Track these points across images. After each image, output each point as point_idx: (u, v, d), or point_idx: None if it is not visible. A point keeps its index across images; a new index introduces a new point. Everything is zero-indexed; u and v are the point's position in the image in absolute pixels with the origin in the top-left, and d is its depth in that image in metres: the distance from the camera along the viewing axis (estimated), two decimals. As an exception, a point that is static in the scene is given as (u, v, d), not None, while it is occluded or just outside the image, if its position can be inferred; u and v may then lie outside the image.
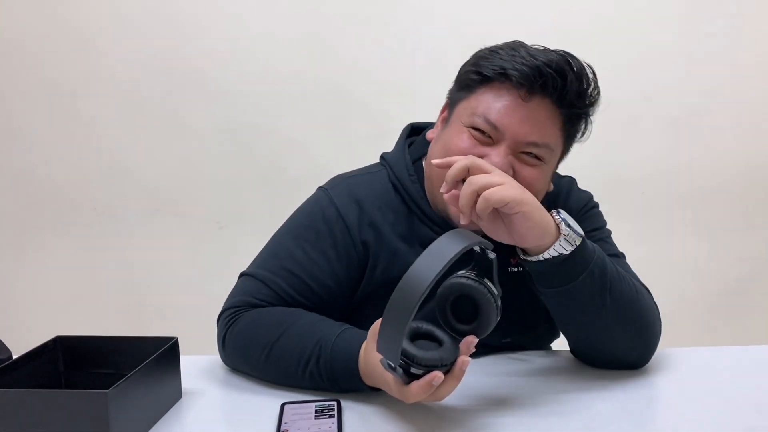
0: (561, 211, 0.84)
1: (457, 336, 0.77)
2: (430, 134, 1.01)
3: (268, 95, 2.11)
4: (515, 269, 0.97)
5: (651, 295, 0.97)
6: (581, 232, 0.84)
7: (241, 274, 1.01)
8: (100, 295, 2.21)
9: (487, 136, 0.90)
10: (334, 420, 0.76)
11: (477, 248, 0.75)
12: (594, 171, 2.13)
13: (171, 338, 0.84)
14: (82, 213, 2.17)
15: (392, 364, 0.70)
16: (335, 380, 0.84)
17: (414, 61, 2.04)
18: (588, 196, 1.11)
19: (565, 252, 0.82)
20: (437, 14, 2.06)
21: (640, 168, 2.12)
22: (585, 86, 0.92)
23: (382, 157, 1.05)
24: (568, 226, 0.82)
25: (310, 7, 2.06)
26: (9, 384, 0.75)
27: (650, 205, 2.14)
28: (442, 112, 1.01)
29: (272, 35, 2.08)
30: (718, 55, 2.07)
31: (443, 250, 0.69)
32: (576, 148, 2.25)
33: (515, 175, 0.89)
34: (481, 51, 0.95)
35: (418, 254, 0.80)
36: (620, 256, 1.04)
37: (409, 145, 1.05)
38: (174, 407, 0.83)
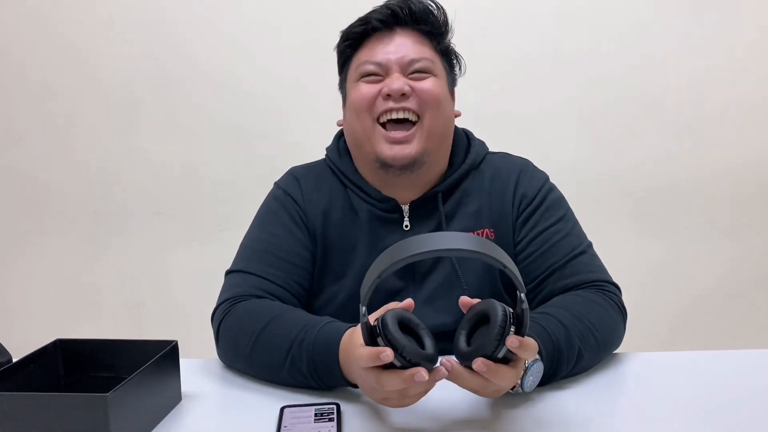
0: (527, 374, 0.79)
1: (463, 353, 0.73)
2: (339, 122, 1.17)
3: (268, 97, 2.11)
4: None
5: (616, 297, 1.00)
6: (537, 381, 0.81)
7: (226, 273, 1.08)
8: (101, 298, 2.21)
9: (377, 75, 1.04)
10: (334, 423, 0.76)
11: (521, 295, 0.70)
12: (593, 173, 2.15)
13: (170, 341, 0.84)
14: (82, 216, 2.17)
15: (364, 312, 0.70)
16: (314, 366, 0.85)
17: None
18: (543, 177, 1.12)
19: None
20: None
21: (639, 170, 2.12)
22: (430, 7, 1.06)
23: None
24: (525, 385, 0.79)
25: (311, 8, 2.07)
26: (9, 387, 0.75)
27: (649, 207, 2.15)
28: (343, 106, 1.15)
29: (273, 37, 2.08)
30: (719, 57, 2.07)
31: (462, 240, 0.68)
32: (575, 151, 2.25)
33: (414, 91, 1.02)
34: (342, 33, 1.12)
35: (351, 220, 1.06)
36: (585, 251, 1.05)
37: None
38: (173, 410, 0.83)
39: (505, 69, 2.06)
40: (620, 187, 2.13)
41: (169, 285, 2.20)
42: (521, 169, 1.11)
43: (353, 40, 1.08)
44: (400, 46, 1.04)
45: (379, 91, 1.02)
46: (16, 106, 2.14)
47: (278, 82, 2.11)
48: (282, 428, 0.75)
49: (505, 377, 0.72)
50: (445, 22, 1.08)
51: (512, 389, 0.79)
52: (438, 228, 1.06)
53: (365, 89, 1.04)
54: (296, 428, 0.75)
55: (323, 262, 1.08)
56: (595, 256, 1.06)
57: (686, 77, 2.08)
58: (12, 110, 2.14)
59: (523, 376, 0.78)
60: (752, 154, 2.11)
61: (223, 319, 0.98)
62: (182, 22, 2.09)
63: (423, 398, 0.74)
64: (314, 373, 0.85)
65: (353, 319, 0.86)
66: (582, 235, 1.08)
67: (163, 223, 2.17)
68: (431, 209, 1.07)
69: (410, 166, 1.03)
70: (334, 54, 2.22)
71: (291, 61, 2.09)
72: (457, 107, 1.14)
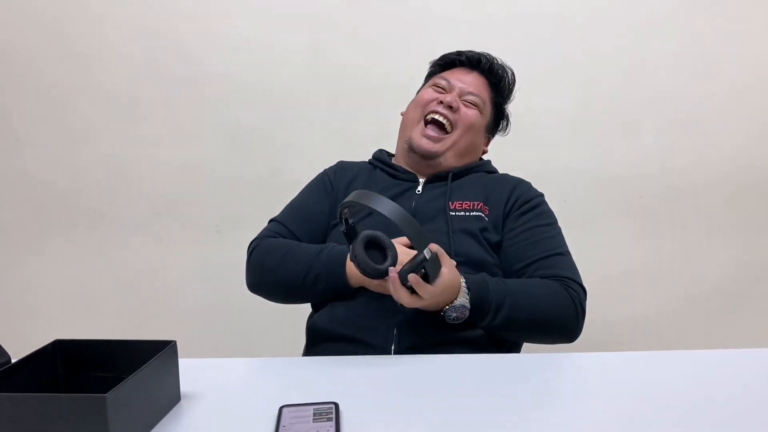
0: (453, 308, 1.08)
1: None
2: (402, 112, 1.44)
3: (266, 99, 2.12)
4: (454, 213, 1.27)
5: (576, 295, 1.16)
6: (465, 305, 1.09)
7: (269, 221, 1.35)
8: (100, 298, 2.21)
9: (443, 90, 1.38)
10: (332, 423, 0.76)
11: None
12: (593, 173, 2.15)
13: (169, 341, 0.84)
14: (81, 217, 2.18)
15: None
16: (328, 269, 1.16)
17: (413, 65, 2.05)
18: (540, 193, 1.36)
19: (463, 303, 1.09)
20: (437, 18, 2.07)
21: (638, 170, 2.13)
22: (504, 72, 1.43)
23: None
24: (448, 316, 1.09)
25: (310, 10, 2.07)
26: (7, 388, 0.75)
27: (648, 207, 2.15)
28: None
29: (271, 38, 2.09)
30: (718, 57, 2.07)
31: (390, 208, 0.94)
32: (575, 152, 2.25)
33: (459, 109, 1.34)
34: (441, 55, 1.47)
35: (371, 185, 1.35)
36: (565, 254, 1.24)
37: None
38: (173, 410, 0.84)
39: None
40: (620, 187, 2.14)
41: (168, 285, 2.20)
42: (521, 180, 1.37)
43: (445, 63, 1.44)
44: (469, 81, 1.38)
45: (436, 98, 1.35)
46: (14, 107, 2.14)
47: (278, 82, 2.11)
48: (281, 428, 0.75)
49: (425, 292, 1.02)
50: (509, 87, 1.44)
51: (442, 312, 1.08)
52: (443, 195, 1.31)
53: (429, 93, 1.37)
54: (295, 428, 0.75)
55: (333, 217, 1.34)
56: (572, 261, 1.24)
57: (685, 82, 2.08)
58: (10, 111, 2.14)
59: (447, 309, 1.08)
60: (752, 154, 2.12)
61: (255, 248, 1.26)
62: (181, 21, 2.09)
63: (424, 402, 0.78)
64: (328, 274, 1.16)
65: None
66: (564, 243, 1.27)
67: (163, 224, 2.18)
68: (442, 183, 1.34)
69: (429, 158, 1.34)
70: (333, 54, 2.29)
71: (291, 61, 2.10)
72: None
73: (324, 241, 1.32)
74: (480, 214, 1.28)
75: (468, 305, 1.08)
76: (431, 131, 1.33)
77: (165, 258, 2.19)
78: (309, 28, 2.07)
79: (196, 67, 2.10)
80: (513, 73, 1.44)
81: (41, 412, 0.69)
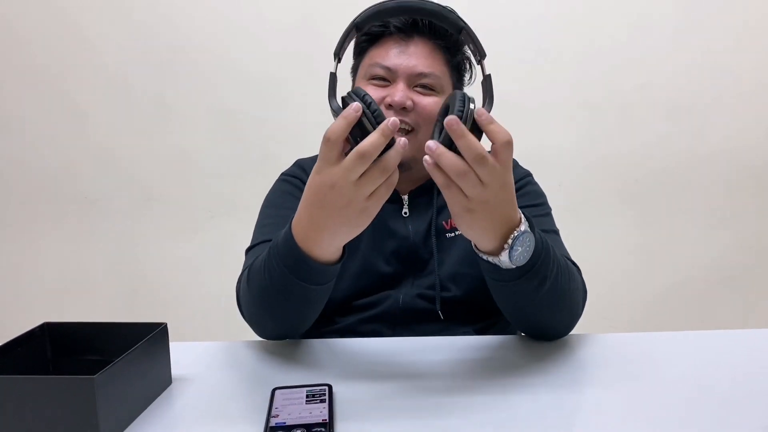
0: (521, 237, 0.79)
1: None
2: None
3: (260, 84, 2.10)
4: (452, 234, 1.10)
5: (580, 273, 1.00)
6: (527, 257, 0.81)
7: (245, 252, 1.10)
8: (92, 283, 2.20)
9: (385, 80, 1.06)
10: (326, 405, 0.75)
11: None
12: (589, 157, 2.15)
13: (160, 324, 0.83)
14: (73, 202, 2.16)
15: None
16: (281, 258, 0.86)
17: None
18: (525, 172, 1.19)
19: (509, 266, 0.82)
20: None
21: (633, 155, 2.12)
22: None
23: None
24: (514, 253, 0.80)
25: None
26: (-5, 370, 0.74)
27: (644, 192, 2.15)
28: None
29: (265, 22, 2.06)
30: (715, 44, 2.07)
31: None
32: (573, 138, 2.24)
33: (415, 106, 1.03)
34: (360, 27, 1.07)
35: None
36: (553, 233, 1.08)
37: None
38: (163, 394, 0.83)
39: (509, 62, 2.06)
40: (616, 172, 2.14)
41: (161, 271, 2.19)
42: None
43: (371, 36, 1.08)
44: (413, 56, 1.05)
45: (383, 99, 1.04)
46: (7, 93, 2.11)
47: (272, 67, 2.09)
48: (273, 410, 0.74)
49: (473, 144, 0.72)
50: (460, 38, 1.01)
51: (499, 256, 0.80)
52: (431, 216, 1.10)
53: (371, 92, 1.03)
54: (288, 410, 0.74)
55: None
56: (562, 242, 1.08)
57: (681, 66, 2.08)
58: (3, 97, 2.12)
59: (511, 246, 0.79)
60: (745, 141, 2.12)
61: (238, 294, 1.01)
62: (174, 9, 2.07)
63: (418, 384, 0.76)
64: (285, 266, 0.85)
65: (367, 287, 1.04)
66: (553, 224, 1.11)
67: (156, 210, 2.16)
68: (428, 199, 1.13)
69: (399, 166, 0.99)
70: (329, 38, 2.21)
71: (285, 46, 2.07)
72: None
73: None
74: None
75: (531, 233, 0.81)
76: None
77: (157, 243, 2.18)
78: (303, 11, 2.05)
79: (188, 52, 2.08)
80: (457, 16, 0.94)
81: (29, 394, 0.68)
